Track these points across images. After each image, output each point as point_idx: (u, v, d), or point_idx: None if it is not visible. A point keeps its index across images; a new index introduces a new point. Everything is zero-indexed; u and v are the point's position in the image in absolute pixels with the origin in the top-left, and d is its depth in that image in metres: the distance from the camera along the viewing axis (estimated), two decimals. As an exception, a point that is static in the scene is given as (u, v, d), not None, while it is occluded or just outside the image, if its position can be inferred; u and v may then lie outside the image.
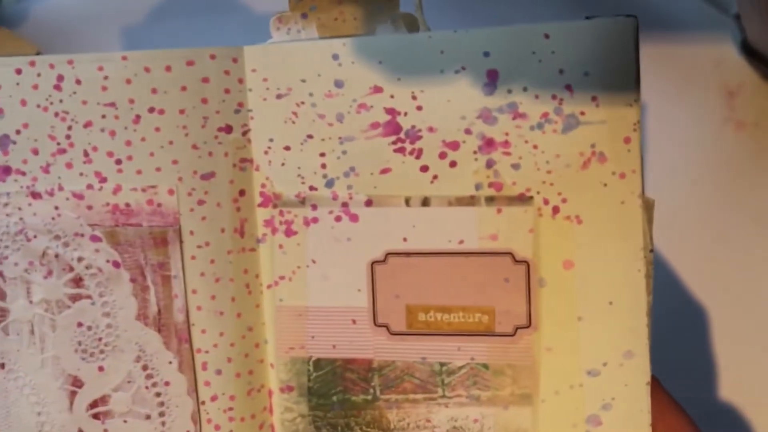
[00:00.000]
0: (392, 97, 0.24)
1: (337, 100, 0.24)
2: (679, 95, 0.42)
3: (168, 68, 0.25)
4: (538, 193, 0.23)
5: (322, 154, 0.24)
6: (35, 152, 0.25)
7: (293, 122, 0.24)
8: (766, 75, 0.41)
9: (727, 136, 0.43)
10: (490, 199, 0.24)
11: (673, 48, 0.43)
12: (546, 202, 0.23)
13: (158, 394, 0.26)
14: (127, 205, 0.25)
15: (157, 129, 0.25)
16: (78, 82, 0.24)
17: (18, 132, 0.24)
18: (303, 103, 0.24)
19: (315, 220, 0.25)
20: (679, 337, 0.42)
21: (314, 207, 0.25)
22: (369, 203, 0.24)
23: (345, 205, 0.24)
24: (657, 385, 0.26)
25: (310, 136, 0.24)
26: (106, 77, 0.24)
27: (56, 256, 0.25)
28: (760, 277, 0.42)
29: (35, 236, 0.25)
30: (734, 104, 0.43)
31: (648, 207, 0.23)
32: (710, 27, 0.43)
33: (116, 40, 0.45)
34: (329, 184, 0.24)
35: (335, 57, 0.24)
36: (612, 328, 0.23)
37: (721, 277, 0.42)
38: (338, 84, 0.24)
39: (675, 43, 0.43)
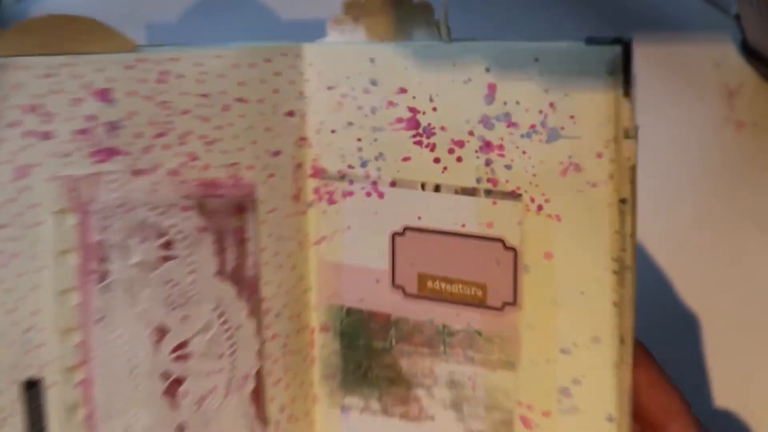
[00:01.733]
0: (414, 98, 0.30)
1: (371, 96, 0.31)
2: (679, 95, 0.43)
3: (252, 65, 0.31)
4: (525, 191, 0.29)
5: (359, 139, 0.31)
6: (139, 136, 0.31)
7: (338, 110, 0.31)
8: (766, 75, 0.41)
9: (727, 136, 0.43)
10: (488, 192, 0.29)
11: (673, 48, 0.44)
12: (532, 200, 0.29)
13: (230, 337, 0.33)
14: (214, 179, 0.32)
15: (242, 115, 0.32)
16: (179, 76, 0.31)
17: (125, 119, 0.30)
18: (346, 95, 0.31)
19: (350, 193, 0.32)
20: (678, 338, 0.43)
21: (351, 182, 0.32)
22: (393, 184, 0.31)
23: (374, 183, 0.31)
24: (651, 361, 0.30)
25: (350, 123, 0.31)
26: (202, 72, 0.31)
27: (152, 224, 0.31)
28: (760, 277, 0.42)
29: (135, 208, 0.31)
30: (734, 104, 0.43)
31: (625, 212, 0.28)
32: (710, 27, 0.43)
33: None
34: (363, 164, 0.31)
35: (372, 60, 0.30)
36: (582, 314, 0.28)
37: (720, 277, 0.43)
38: (373, 83, 0.30)
39: (675, 43, 0.44)
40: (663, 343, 0.40)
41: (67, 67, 0.29)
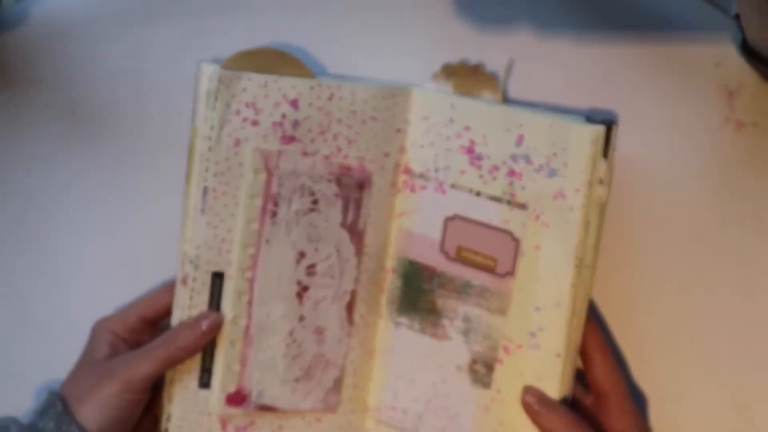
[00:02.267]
0: (474, 133, 0.48)
1: (448, 128, 0.49)
2: (679, 95, 0.44)
3: (383, 96, 0.49)
4: (530, 205, 0.46)
5: (436, 154, 0.49)
6: (309, 131, 0.46)
7: (426, 134, 0.49)
8: (766, 75, 0.43)
9: (727, 136, 0.44)
10: (508, 202, 0.47)
11: (673, 48, 0.44)
12: (534, 211, 0.46)
13: (341, 265, 0.50)
14: (349, 165, 0.49)
15: (371, 128, 0.49)
16: (340, 98, 0.48)
17: (303, 119, 0.47)
18: (433, 125, 0.49)
19: (424, 188, 0.50)
20: (677, 335, 0.47)
21: (426, 180, 0.50)
22: (452, 186, 0.49)
23: (441, 183, 0.49)
24: (606, 346, 0.46)
25: (432, 143, 0.49)
26: (354, 97, 0.48)
27: (308, 187, 0.47)
28: (760, 276, 0.45)
29: (300, 175, 0.47)
30: (734, 104, 0.44)
31: (589, 230, 0.45)
32: (710, 27, 0.44)
33: (115, 41, 0.48)
34: (436, 170, 0.49)
35: (452, 105, 0.48)
36: (551, 287, 0.46)
37: (720, 276, 0.45)
38: (451, 120, 0.48)
39: (675, 43, 0.44)
40: (662, 337, 0.47)
41: (274, 82, 0.47)
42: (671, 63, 0.45)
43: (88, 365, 0.46)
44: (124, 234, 0.51)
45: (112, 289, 0.51)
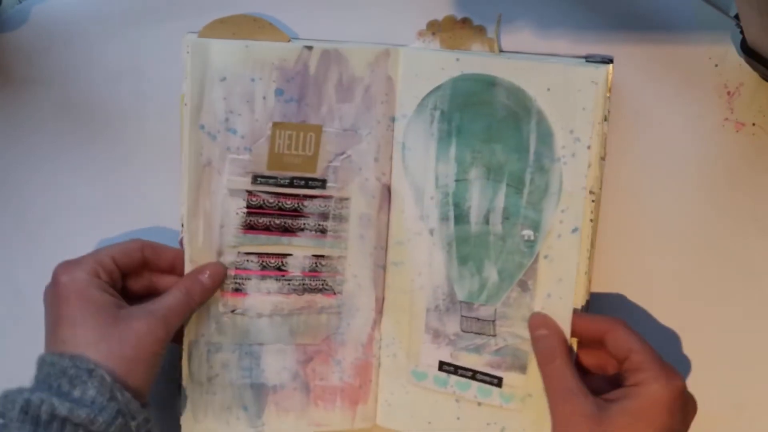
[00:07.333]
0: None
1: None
2: (679, 95, 0.44)
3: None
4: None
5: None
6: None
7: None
8: (766, 75, 0.42)
9: (727, 136, 0.43)
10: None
11: (673, 48, 0.44)
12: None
13: None
14: None
15: None
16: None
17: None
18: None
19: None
20: (677, 336, 0.45)
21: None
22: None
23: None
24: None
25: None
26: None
27: None
28: (759, 276, 0.44)
29: None
30: (734, 104, 0.43)
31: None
32: (710, 27, 0.43)
33: (115, 40, 0.47)
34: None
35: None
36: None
37: (720, 276, 0.44)
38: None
39: (675, 43, 0.44)
40: (661, 337, 0.45)
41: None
42: (671, 63, 0.44)
43: (101, 320, 0.38)
44: (124, 233, 0.49)
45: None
